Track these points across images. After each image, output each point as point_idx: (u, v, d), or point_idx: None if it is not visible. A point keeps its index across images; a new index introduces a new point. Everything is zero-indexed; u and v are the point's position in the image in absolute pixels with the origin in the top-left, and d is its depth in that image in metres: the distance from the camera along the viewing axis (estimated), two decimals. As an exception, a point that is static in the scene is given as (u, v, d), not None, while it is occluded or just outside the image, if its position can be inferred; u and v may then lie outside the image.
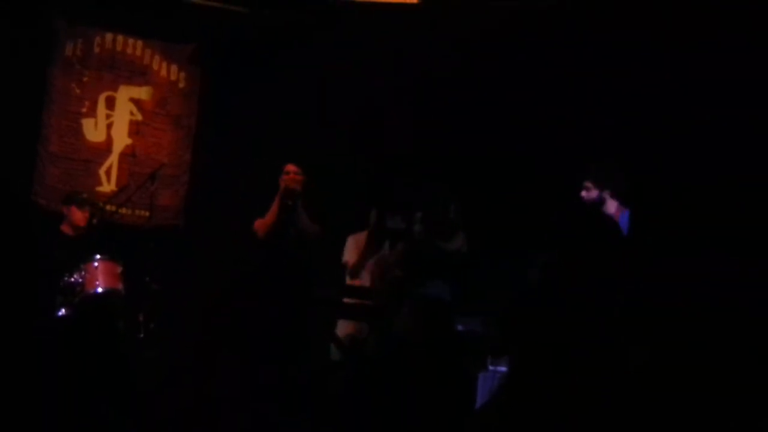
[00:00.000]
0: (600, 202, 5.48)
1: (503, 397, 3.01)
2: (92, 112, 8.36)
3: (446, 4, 7.31)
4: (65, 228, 7.23)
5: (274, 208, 6.27)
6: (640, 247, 5.06)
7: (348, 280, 6.34)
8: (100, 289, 6.76)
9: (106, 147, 8.38)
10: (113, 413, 3.88)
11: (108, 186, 8.30)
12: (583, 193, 5.48)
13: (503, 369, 5.23)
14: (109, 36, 8.40)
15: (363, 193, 7.19)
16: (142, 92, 8.49)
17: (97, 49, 8.37)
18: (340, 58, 7.74)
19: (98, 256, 6.86)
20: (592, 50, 6.80)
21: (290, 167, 6.37)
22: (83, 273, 6.78)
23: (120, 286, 6.89)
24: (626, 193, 5.45)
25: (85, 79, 8.33)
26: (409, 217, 5.94)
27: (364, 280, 6.35)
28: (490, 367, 5.30)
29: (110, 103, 8.40)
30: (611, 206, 5.46)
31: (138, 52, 8.49)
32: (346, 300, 6.12)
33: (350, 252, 6.39)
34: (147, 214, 7.87)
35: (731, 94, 6.04)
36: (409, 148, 7.46)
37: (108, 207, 7.81)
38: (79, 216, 7.19)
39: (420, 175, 6.85)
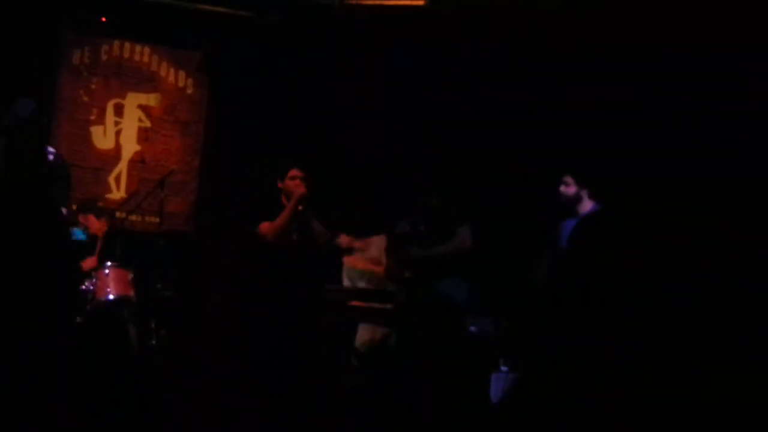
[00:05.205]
0: (577, 199, 5.39)
1: (515, 398, 2.99)
2: (101, 120, 8.38)
3: (452, 5, 7.30)
4: None
5: (288, 212, 5.99)
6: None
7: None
8: (111, 296, 6.78)
9: (115, 154, 8.40)
10: (125, 420, 3.87)
11: (117, 193, 8.32)
12: (562, 188, 5.40)
13: (516, 370, 5.23)
14: (116, 43, 8.42)
15: (369, 197, 7.20)
16: (150, 99, 8.51)
17: (104, 57, 8.39)
18: (347, 62, 7.72)
19: (109, 263, 6.87)
20: (600, 52, 6.77)
21: (297, 172, 6.10)
22: (94, 280, 6.80)
23: (131, 292, 6.90)
24: (604, 196, 5.38)
25: (92, 86, 8.36)
26: (415, 222, 5.95)
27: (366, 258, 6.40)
28: (503, 368, 5.29)
29: (118, 110, 8.42)
30: (587, 205, 5.37)
31: (145, 59, 8.51)
32: (356, 303, 6.13)
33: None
34: (157, 220, 7.86)
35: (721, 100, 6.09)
36: (418, 151, 7.45)
37: (118, 214, 7.83)
38: (96, 225, 7.23)
39: (427, 177, 6.84)
